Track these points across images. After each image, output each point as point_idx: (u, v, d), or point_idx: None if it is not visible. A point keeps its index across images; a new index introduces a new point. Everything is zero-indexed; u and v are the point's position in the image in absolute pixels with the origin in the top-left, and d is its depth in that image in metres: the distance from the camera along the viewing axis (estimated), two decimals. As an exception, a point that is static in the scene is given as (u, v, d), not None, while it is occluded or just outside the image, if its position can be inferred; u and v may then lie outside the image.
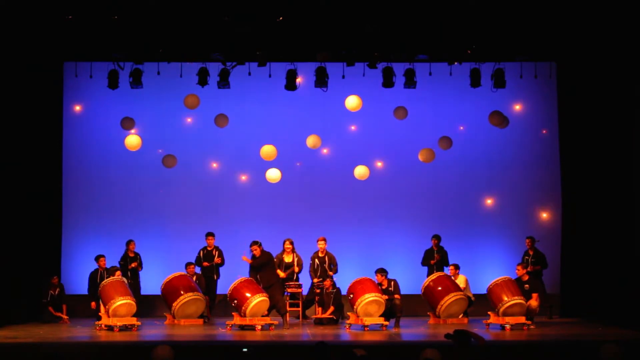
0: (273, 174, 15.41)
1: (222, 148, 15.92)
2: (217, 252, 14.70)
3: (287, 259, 14.44)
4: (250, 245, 13.59)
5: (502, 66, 14.68)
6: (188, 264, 14.31)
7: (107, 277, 13.53)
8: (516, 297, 12.95)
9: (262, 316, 13.14)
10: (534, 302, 13.15)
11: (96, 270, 14.24)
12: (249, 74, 14.66)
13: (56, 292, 14.35)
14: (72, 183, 15.63)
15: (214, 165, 15.95)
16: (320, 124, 15.81)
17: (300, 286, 14.28)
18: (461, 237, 15.73)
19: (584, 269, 14.58)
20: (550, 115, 15.77)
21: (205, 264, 14.62)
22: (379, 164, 15.91)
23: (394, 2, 12.98)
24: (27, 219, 14.29)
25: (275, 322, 13.14)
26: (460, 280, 14.24)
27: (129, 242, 14.83)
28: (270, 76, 14.79)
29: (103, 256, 14.34)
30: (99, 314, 13.16)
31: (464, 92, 15.38)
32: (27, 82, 14.25)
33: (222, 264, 14.74)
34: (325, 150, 15.98)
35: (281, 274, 14.10)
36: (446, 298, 13.61)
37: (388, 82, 14.52)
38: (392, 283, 13.53)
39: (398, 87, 14.69)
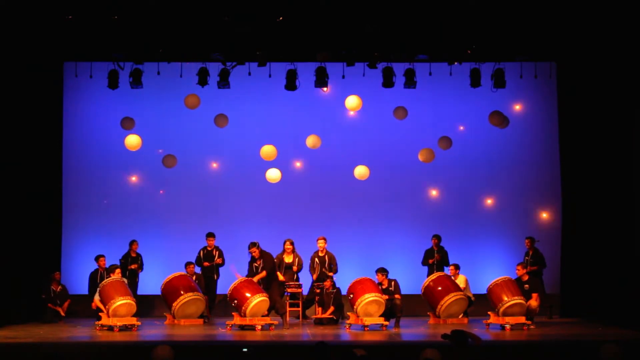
0: (273, 174, 15.42)
1: (222, 148, 15.92)
2: (217, 252, 14.70)
3: (288, 259, 14.44)
4: (249, 248, 13.57)
5: (502, 66, 14.68)
6: (188, 264, 14.32)
7: (107, 277, 13.53)
8: (516, 297, 12.94)
9: (262, 316, 13.13)
10: (534, 302, 13.15)
11: (96, 271, 14.25)
12: (249, 74, 14.66)
13: (58, 289, 14.38)
14: (72, 183, 15.63)
15: (214, 165, 15.95)
16: (320, 124, 15.81)
17: (300, 286, 14.28)
18: (461, 237, 15.74)
19: (584, 269, 14.58)
20: (550, 115, 15.77)
21: (206, 264, 14.62)
22: (379, 164, 15.87)
23: (394, 2, 12.98)
24: (27, 219, 14.29)
25: (275, 322, 13.13)
26: (460, 280, 14.24)
27: (132, 243, 14.84)
28: (270, 76, 14.79)
29: (103, 256, 14.35)
30: (99, 313, 13.15)
31: (464, 92, 15.37)
32: (27, 82, 14.25)
33: (222, 264, 14.74)
34: (325, 150, 15.97)
35: (280, 277, 14.07)
36: (446, 298, 13.61)
37: (388, 82, 14.52)
38: (393, 283, 13.53)
39: (398, 87, 14.69)
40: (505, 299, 12.95)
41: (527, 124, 16.02)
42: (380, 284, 13.42)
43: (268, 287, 13.38)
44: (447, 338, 7.48)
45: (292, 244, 14.42)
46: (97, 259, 14.33)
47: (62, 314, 14.27)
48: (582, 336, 12.04)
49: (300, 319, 14.28)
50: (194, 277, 14.13)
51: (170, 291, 13.72)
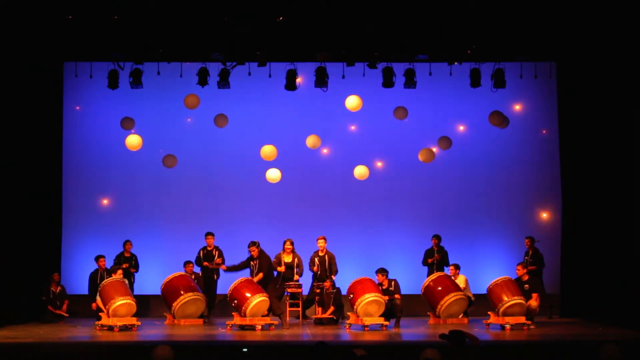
0: (273, 174, 15.42)
1: (222, 148, 15.91)
2: (217, 252, 14.69)
3: (287, 259, 14.44)
4: (249, 246, 13.59)
5: (502, 66, 14.69)
6: (187, 263, 14.31)
7: (107, 277, 13.53)
8: (516, 297, 12.94)
9: (262, 316, 13.14)
10: (534, 302, 13.14)
11: (96, 271, 14.24)
12: (249, 74, 14.66)
13: (57, 290, 14.38)
14: (72, 183, 15.63)
15: (214, 165, 15.93)
16: (320, 124, 15.81)
17: (300, 286, 14.27)
18: (461, 237, 15.74)
19: (584, 269, 14.58)
20: (550, 115, 15.77)
21: (206, 263, 14.62)
22: (379, 164, 15.90)
23: (394, 2, 12.98)
24: (27, 219, 14.29)
25: (275, 322, 13.14)
26: (460, 280, 14.24)
27: (125, 243, 14.84)
28: (270, 76, 14.79)
29: (103, 256, 14.35)
30: (99, 313, 13.15)
31: (464, 92, 15.38)
32: (27, 82, 14.26)
33: (222, 264, 14.73)
34: (325, 150, 15.98)
35: (280, 268, 14.10)
36: (446, 298, 13.61)
37: (388, 82, 14.53)
38: (393, 283, 13.53)
39: (398, 87, 14.69)
40: (505, 299, 12.95)
41: (527, 124, 16.02)
42: (380, 284, 13.42)
43: (264, 288, 13.39)
44: (445, 338, 7.48)
45: (292, 243, 14.42)
46: (97, 259, 14.32)
47: (66, 314, 14.27)
48: (582, 336, 12.04)
49: (300, 319, 14.28)
50: (192, 277, 14.13)
51: (170, 291, 13.72)
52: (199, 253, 14.71)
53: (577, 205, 14.91)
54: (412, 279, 14.85)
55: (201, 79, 14.50)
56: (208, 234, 14.74)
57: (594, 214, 14.33)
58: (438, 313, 13.69)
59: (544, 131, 15.96)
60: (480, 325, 13.25)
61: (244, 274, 13.78)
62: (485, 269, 15.26)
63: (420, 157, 15.63)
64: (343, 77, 14.67)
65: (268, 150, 15.38)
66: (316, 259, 14.46)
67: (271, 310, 13.34)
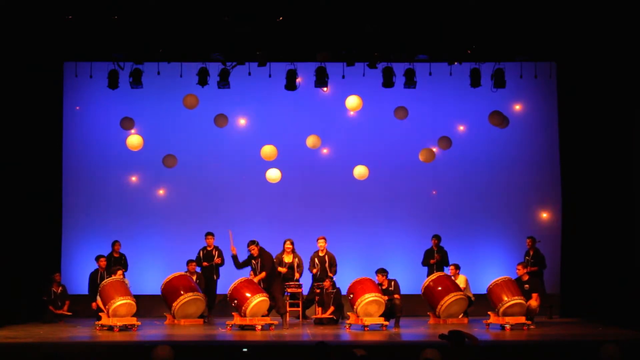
0: (273, 174, 15.42)
1: (222, 148, 15.91)
2: (217, 252, 14.69)
3: (287, 259, 14.44)
4: (248, 245, 13.57)
5: (502, 66, 14.68)
6: (189, 261, 14.30)
7: (107, 277, 13.53)
8: (516, 297, 12.94)
9: (262, 316, 13.14)
10: (534, 302, 13.14)
11: (96, 271, 14.23)
12: (249, 74, 14.66)
13: (59, 290, 14.39)
14: (72, 183, 15.63)
15: (214, 165, 15.93)
16: (320, 124, 15.81)
17: (300, 286, 14.28)
18: (461, 237, 15.74)
19: (584, 269, 14.58)
20: (550, 115, 15.77)
21: (205, 264, 14.62)
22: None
23: (394, 2, 12.97)
24: (27, 219, 14.29)
25: (275, 322, 13.13)
26: (461, 280, 14.24)
27: (114, 243, 14.82)
28: (270, 76, 14.79)
29: (103, 256, 14.35)
30: (99, 313, 13.15)
31: (464, 92, 15.37)
32: (27, 82, 14.25)
33: (222, 263, 14.73)
34: (325, 150, 15.98)
35: (282, 269, 14.11)
36: (446, 298, 13.61)
37: (388, 82, 14.52)
38: (393, 283, 13.53)
39: (398, 87, 14.68)
40: (505, 299, 12.95)
41: (527, 124, 16.02)
42: (380, 284, 13.42)
43: (269, 286, 13.37)
44: (445, 338, 7.48)
45: (292, 243, 14.42)
46: (97, 259, 14.31)
47: (68, 313, 14.27)
48: (582, 336, 12.05)
49: (300, 319, 14.28)
50: (194, 276, 14.13)
51: (170, 291, 13.72)
52: (199, 253, 14.70)
53: (577, 205, 14.91)
54: (412, 279, 14.84)
55: (201, 79, 14.50)
56: (208, 234, 14.74)
57: (594, 214, 14.33)
58: (438, 313, 13.69)
59: (544, 131, 15.95)
60: (480, 325, 13.25)
61: (244, 274, 13.75)
62: (485, 269, 15.25)
63: (421, 157, 15.63)
64: (343, 77, 14.67)
65: (268, 150, 15.38)
66: (316, 259, 14.46)
67: (276, 309, 13.33)
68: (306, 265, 14.58)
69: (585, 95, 14.59)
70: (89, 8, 12.82)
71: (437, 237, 15.07)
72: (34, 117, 14.52)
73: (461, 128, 16.01)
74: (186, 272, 14.14)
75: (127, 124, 15.47)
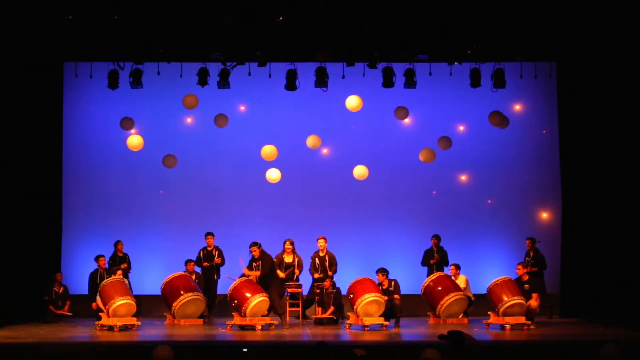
0: (273, 174, 15.41)
1: (222, 148, 15.91)
2: (217, 252, 14.69)
3: (287, 259, 14.44)
4: (250, 246, 13.56)
5: (502, 66, 14.68)
6: (188, 261, 14.30)
7: (107, 277, 13.53)
8: (516, 297, 12.94)
9: (262, 316, 13.14)
10: (534, 302, 13.14)
11: (96, 271, 14.24)
12: (249, 74, 14.65)
13: (60, 290, 14.39)
14: (72, 183, 15.63)
15: (214, 165, 15.93)
16: (320, 124, 15.81)
17: (300, 286, 14.27)
18: (461, 237, 15.74)
19: (584, 269, 14.58)
20: (550, 115, 15.77)
21: (206, 264, 14.62)
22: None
23: (394, 2, 12.97)
24: (27, 219, 14.28)
25: (275, 322, 13.13)
26: (461, 280, 14.24)
27: (117, 243, 14.83)
28: (270, 76, 14.79)
29: (103, 256, 14.35)
30: (99, 313, 13.15)
31: (464, 92, 15.37)
32: (27, 82, 14.25)
33: (222, 264, 14.73)
34: (325, 150, 15.98)
35: (281, 274, 14.10)
36: (446, 298, 13.61)
37: (388, 82, 14.52)
38: (393, 283, 13.53)
39: (398, 87, 14.69)
40: (505, 299, 12.95)
41: (527, 124, 16.02)
42: (380, 284, 13.42)
43: (266, 287, 13.38)
44: (444, 339, 7.48)
45: (292, 243, 14.42)
46: (97, 259, 14.32)
47: (69, 314, 14.27)
48: (582, 336, 12.05)
49: (300, 319, 14.28)
50: (193, 276, 14.13)
51: (170, 291, 13.72)
52: (199, 253, 14.70)
53: (577, 205, 14.91)
54: (412, 279, 14.84)
55: (201, 79, 14.50)
56: (208, 234, 14.74)
57: (594, 214, 14.33)
58: (438, 313, 13.69)
59: (544, 131, 15.95)
60: (480, 325, 13.26)
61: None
62: (485, 269, 15.25)
63: (421, 157, 15.63)
64: (343, 77, 14.67)
65: (268, 150, 15.38)
66: (317, 259, 14.46)
67: (273, 309, 13.33)
68: (306, 265, 14.58)
69: (585, 95, 14.59)
70: (89, 8, 12.82)
71: (437, 237, 15.07)
72: (34, 117, 14.52)
73: (461, 128, 16.01)
74: (185, 272, 14.14)
75: (127, 124, 15.47)
